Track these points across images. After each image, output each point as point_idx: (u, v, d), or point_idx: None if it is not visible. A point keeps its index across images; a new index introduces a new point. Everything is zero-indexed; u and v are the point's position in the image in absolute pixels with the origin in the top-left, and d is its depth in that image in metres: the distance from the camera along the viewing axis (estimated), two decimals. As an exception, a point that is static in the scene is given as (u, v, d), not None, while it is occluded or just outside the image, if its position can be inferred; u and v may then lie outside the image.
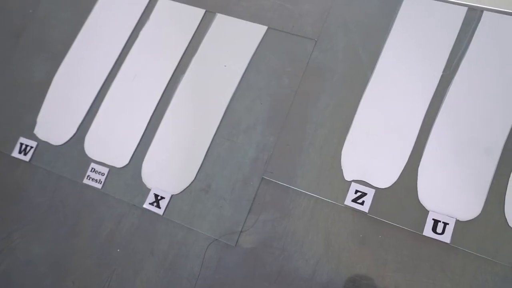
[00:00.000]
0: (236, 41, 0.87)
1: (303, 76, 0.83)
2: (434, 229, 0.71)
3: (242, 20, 0.88)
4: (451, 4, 0.80)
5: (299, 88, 0.83)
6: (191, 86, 0.86)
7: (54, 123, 0.89)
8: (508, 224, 0.68)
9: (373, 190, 0.75)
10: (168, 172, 0.82)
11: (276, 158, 0.80)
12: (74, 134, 0.88)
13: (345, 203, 0.75)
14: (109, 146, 0.85)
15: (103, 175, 0.84)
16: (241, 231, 0.77)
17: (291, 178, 0.78)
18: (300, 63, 0.84)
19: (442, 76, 0.77)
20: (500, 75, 0.75)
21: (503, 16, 0.77)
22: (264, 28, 0.87)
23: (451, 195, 0.72)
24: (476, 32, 0.78)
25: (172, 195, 0.80)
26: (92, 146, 0.86)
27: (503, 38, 0.76)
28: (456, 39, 0.78)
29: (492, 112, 0.73)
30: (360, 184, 0.76)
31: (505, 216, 0.69)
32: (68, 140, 0.88)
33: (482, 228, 0.69)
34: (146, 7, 0.93)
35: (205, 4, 0.91)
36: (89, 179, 0.84)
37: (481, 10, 0.79)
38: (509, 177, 0.70)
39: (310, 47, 0.84)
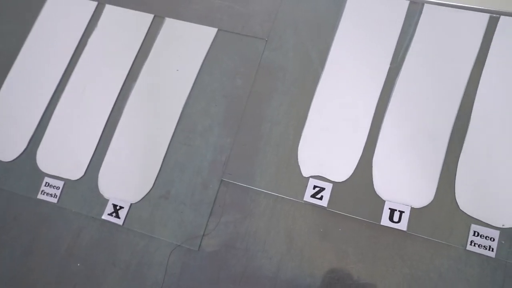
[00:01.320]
0: (187, 44, 0.86)
1: (256, 76, 0.83)
2: (391, 218, 0.73)
3: (192, 23, 0.88)
4: (394, -1, 0.83)
5: (253, 88, 0.83)
6: (143, 92, 0.85)
7: (2, 138, 0.86)
8: (459, 208, 0.71)
9: (330, 185, 0.76)
10: (126, 181, 0.80)
11: (234, 159, 0.80)
12: (25, 149, 0.85)
13: (304, 199, 0.76)
14: (62, 158, 0.83)
15: (58, 189, 0.81)
16: (203, 235, 0.77)
17: (250, 178, 0.79)
18: (252, 63, 0.84)
19: (389, 68, 0.79)
20: (443, 64, 0.77)
21: (443, 8, 0.80)
22: (214, 30, 0.86)
23: (405, 184, 0.74)
24: (418, 25, 0.80)
25: (131, 204, 0.79)
26: (45, 160, 0.83)
27: (444, 30, 0.79)
28: (401, 32, 0.81)
29: (438, 101, 0.76)
30: (318, 179, 0.77)
31: (456, 200, 0.71)
32: (19, 155, 0.85)
33: (435, 214, 0.72)
34: (93, 14, 0.91)
35: (154, 9, 0.90)
36: (43, 194, 0.81)
37: (422, 3, 0.81)
38: (457, 163, 0.73)
39: (261, 47, 0.85)
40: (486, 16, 0.78)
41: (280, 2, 0.87)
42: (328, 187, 0.76)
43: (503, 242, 0.68)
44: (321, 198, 0.76)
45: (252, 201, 0.78)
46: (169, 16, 0.89)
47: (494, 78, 0.75)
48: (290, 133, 0.80)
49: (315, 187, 0.77)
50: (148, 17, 0.89)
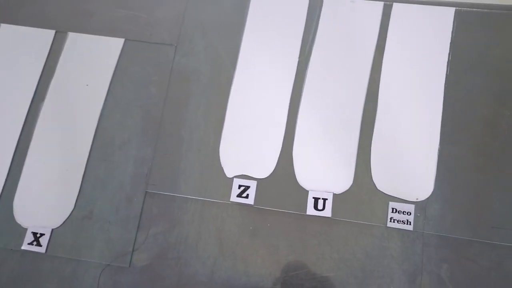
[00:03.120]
0: (94, 58, 0.84)
1: (170, 83, 0.83)
2: (315, 206, 0.75)
3: (97, 36, 0.85)
4: (296, -6, 0.85)
5: (168, 95, 0.82)
6: (53, 111, 0.81)
7: None
8: (377, 188, 0.75)
9: (255, 182, 0.77)
10: (44, 206, 0.77)
11: (157, 169, 0.79)
12: None
13: (231, 200, 0.76)
14: (-29, 191, 0.78)
15: (-30, 224, 0.76)
16: (133, 250, 0.75)
17: (174, 186, 0.78)
18: (164, 70, 0.83)
19: (298, 62, 0.82)
20: (348, 54, 0.81)
21: (341, 0, 0.84)
22: (121, 40, 0.85)
23: (325, 172, 0.76)
24: (321, 17, 0.83)
25: (52, 230, 0.76)
26: (-48, 196, 0.78)
27: (344, 20, 0.83)
28: (305, 25, 0.83)
29: (347, 89, 0.79)
30: (242, 178, 0.78)
31: (373, 181, 0.75)
32: None
33: (356, 197, 0.75)
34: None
35: (54, 24, 0.87)
36: (-46, 232, 0.76)
37: (322, -4, 0.85)
38: (371, 146, 0.76)
39: (171, 52, 0.84)
40: (381, 5, 0.82)
41: (185, 7, 0.87)
42: (253, 184, 0.77)
43: (418, 214, 0.73)
44: (247, 197, 0.77)
45: (179, 209, 0.77)
46: (72, 31, 0.86)
47: (394, 63, 0.79)
48: (211, 136, 0.80)
49: (240, 186, 0.77)
50: (50, 34, 0.85)
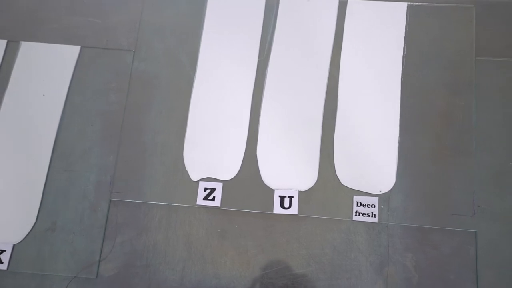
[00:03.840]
0: (50, 67, 0.82)
1: (130, 89, 0.81)
2: (282, 205, 0.75)
3: (52, 44, 0.83)
4: (251, -5, 0.85)
5: (128, 101, 0.81)
6: (9, 123, 0.79)
7: None
8: (341, 183, 0.76)
9: (220, 184, 0.77)
10: (4, 221, 0.74)
11: (120, 177, 0.77)
12: None
13: (198, 203, 0.76)
14: None
15: None
16: (99, 261, 0.74)
17: (139, 192, 0.77)
18: (123, 76, 0.82)
19: (258, 62, 0.82)
20: (306, 51, 0.81)
21: (298, -2, 0.85)
22: (77, 48, 0.83)
23: (289, 170, 0.77)
24: (278, 16, 0.84)
25: (14, 245, 0.74)
26: None
27: (302, 17, 0.83)
28: (263, 25, 0.84)
29: (307, 86, 0.80)
30: (208, 181, 0.77)
31: (337, 177, 0.76)
32: None
33: (321, 193, 0.76)
34: None
35: (5, 34, 0.84)
36: None
37: (278, -4, 0.85)
38: (333, 142, 0.77)
39: (130, 58, 0.83)
40: (336, 2, 0.84)
41: (141, 11, 0.86)
42: (219, 186, 0.77)
43: (382, 206, 0.74)
44: (213, 199, 0.76)
45: (145, 215, 0.76)
46: (25, 40, 0.83)
47: (352, 59, 0.81)
48: (174, 140, 0.79)
49: (206, 189, 0.77)
50: (1, 44, 0.83)
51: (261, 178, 0.77)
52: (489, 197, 0.73)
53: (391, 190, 0.75)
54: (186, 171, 0.78)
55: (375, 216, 0.74)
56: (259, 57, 0.82)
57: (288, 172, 0.77)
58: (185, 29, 0.84)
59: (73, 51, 0.83)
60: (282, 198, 0.76)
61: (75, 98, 0.81)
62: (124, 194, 0.77)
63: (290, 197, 0.76)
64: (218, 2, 0.85)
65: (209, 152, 0.78)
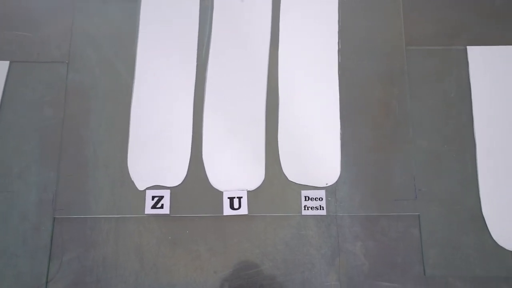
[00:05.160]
0: (-22, 84, 0.78)
1: (66, 101, 0.79)
2: (231, 206, 0.75)
3: (-22, 61, 0.79)
4: (185, -3, 0.85)
5: (65, 114, 0.78)
6: None
7: None
8: (288, 179, 0.77)
9: (168, 191, 0.76)
10: None
11: (63, 193, 0.75)
12: None
13: (146, 212, 0.75)
14: None
15: None
16: (47, 282, 0.71)
17: (84, 207, 0.75)
18: (58, 90, 0.79)
19: (197, 65, 0.81)
20: (245, 51, 0.82)
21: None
22: (6, 63, 0.79)
23: (236, 171, 0.77)
24: (213, 19, 0.84)
25: (-48, 275, 0.70)
26: None
27: (237, 19, 0.84)
28: (199, 28, 0.83)
29: (248, 87, 0.80)
30: (155, 189, 0.76)
31: (284, 173, 0.77)
32: None
33: (270, 191, 0.76)
34: None
35: None
36: None
37: (212, -3, 0.85)
38: (277, 140, 0.78)
39: (63, 70, 0.80)
40: (269, 0, 0.85)
41: (72, 22, 0.83)
42: (166, 193, 0.76)
43: (329, 198, 0.76)
44: (162, 207, 0.75)
45: (92, 230, 0.74)
46: (-51, 58, 0.79)
47: (289, 56, 0.82)
48: (116, 151, 0.77)
49: (153, 197, 0.76)
50: None
51: (208, 181, 0.77)
52: (428, 180, 0.76)
53: (336, 181, 0.76)
54: (132, 181, 0.76)
55: (323, 209, 0.75)
56: (197, 61, 0.82)
57: (235, 173, 0.77)
58: (119, 36, 0.83)
59: (2, 67, 0.79)
60: (231, 199, 0.76)
61: (8, 116, 0.78)
62: (68, 210, 0.74)
63: (239, 198, 0.76)
64: (152, 6, 0.84)
65: (154, 160, 0.77)
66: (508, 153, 0.76)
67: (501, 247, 0.72)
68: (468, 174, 0.76)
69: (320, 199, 0.76)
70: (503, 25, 0.83)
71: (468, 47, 0.81)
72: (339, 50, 0.82)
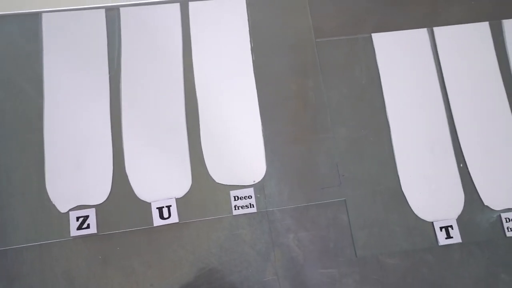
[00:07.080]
0: None
1: (-30, 129, 0.74)
2: (161, 216, 0.74)
3: None
4: (90, 10, 0.82)
5: (-29, 143, 0.74)
6: None
7: None
8: (215, 181, 0.76)
9: (93, 209, 0.73)
10: None
11: (-23, 227, 0.70)
12: None
13: (72, 234, 0.72)
14: None
15: None
16: (-31, 324, 0.67)
17: (3, 239, 0.71)
18: (-40, 118, 0.74)
19: (110, 77, 0.79)
20: (157, 59, 0.80)
21: (137, 8, 0.83)
22: None
23: (162, 180, 0.76)
24: (121, 28, 0.82)
25: None
26: None
27: (146, 27, 0.82)
28: (108, 40, 0.81)
29: (165, 94, 0.79)
30: (79, 209, 0.73)
31: (211, 176, 0.76)
32: None
33: (198, 195, 0.76)
34: None
35: None
36: None
37: (118, 8, 0.83)
38: (201, 143, 0.78)
39: (-36, 96, 0.75)
40: (178, 6, 0.84)
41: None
42: (92, 212, 0.73)
43: (258, 195, 0.76)
44: (88, 227, 0.72)
45: (13, 262, 0.70)
46: None
47: (203, 60, 0.81)
48: (32, 175, 0.74)
49: (78, 218, 0.73)
50: None
51: (134, 193, 0.75)
52: (350, 166, 0.79)
53: (263, 178, 0.77)
54: (53, 204, 0.73)
55: (253, 206, 0.76)
56: (109, 73, 0.79)
57: (161, 182, 0.76)
58: (23, 56, 0.79)
59: None
60: (160, 209, 0.75)
61: None
62: (-15, 244, 0.70)
63: (168, 206, 0.75)
64: (54, 21, 0.81)
65: (75, 179, 0.74)
66: (419, 131, 0.81)
67: (422, 219, 0.76)
68: (386, 155, 0.79)
69: (250, 197, 0.76)
70: (403, 11, 0.88)
71: (373, 34, 0.85)
72: (252, 49, 0.83)
